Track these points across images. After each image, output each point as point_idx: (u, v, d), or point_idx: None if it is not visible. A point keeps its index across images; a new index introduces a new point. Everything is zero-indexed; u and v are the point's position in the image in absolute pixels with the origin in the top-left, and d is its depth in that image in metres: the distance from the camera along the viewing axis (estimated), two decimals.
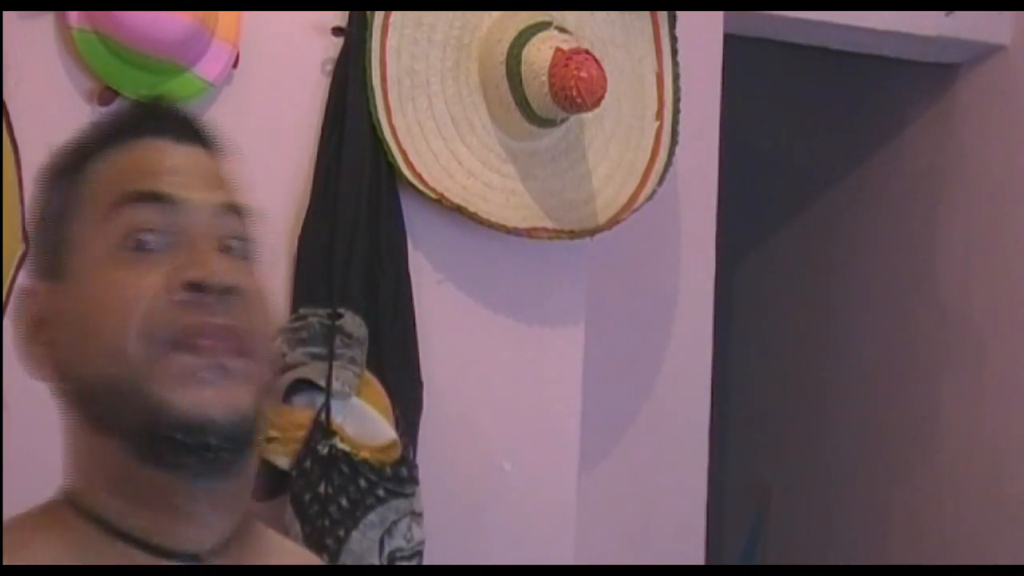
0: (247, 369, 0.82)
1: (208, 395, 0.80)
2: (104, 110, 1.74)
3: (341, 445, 1.68)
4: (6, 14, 1.71)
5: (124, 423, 0.82)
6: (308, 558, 0.99)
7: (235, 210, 0.88)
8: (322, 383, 1.70)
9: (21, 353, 0.88)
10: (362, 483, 1.68)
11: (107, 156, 0.88)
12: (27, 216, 0.92)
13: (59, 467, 1.80)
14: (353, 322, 1.76)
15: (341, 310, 1.76)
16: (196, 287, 0.81)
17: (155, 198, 0.84)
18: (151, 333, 0.80)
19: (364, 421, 1.71)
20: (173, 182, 0.85)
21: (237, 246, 0.86)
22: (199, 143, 0.90)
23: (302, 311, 1.77)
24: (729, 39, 2.23)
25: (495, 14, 1.90)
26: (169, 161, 0.87)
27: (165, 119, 0.90)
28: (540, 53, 1.80)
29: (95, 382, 0.82)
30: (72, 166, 0.90)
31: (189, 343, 0.81)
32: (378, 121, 1.82)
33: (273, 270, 1.82)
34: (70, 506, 0.88)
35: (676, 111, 2.01)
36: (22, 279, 1.71)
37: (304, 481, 1.68)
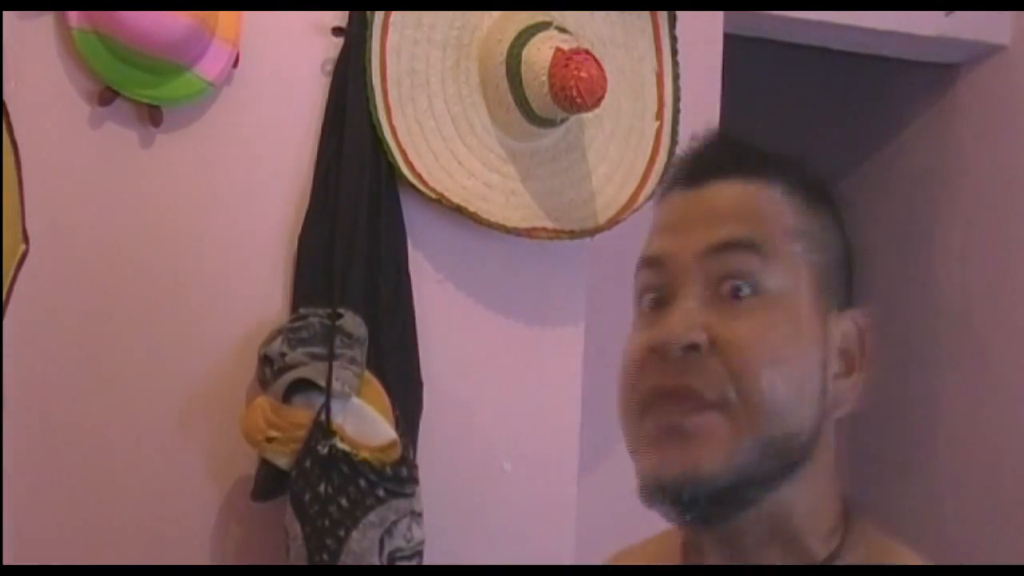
0: (711, 425, 0.79)
1: (662, 459, 0.80)
2: (104, 110, 1.75)
3: (341, 445, 1.68)
4: (6, 14, 1.71)
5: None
6: (909, 556, 0.88)
7: (733, 246, 0.82)
8: (322, 383, 1.70)
9: None
10: (362, 483, 1.68)
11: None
12: None
13: (59, 466, 1.81)
14: (353, 322, 1.76)
15: (341, 310, 1.76)
16: (653, 350, 0.81)
17: (647, 263, 0.86)
18: (626, 399, 0.83)
19: (364, 421, 1.71)
20: (664, 239, 0.85)
21: (734, 286, 0.81)
22: (719, 177, 0.86)
23: (302, 311, 1.77)
24: (729, 39, 2.23)
25: (495, 14, 1.90)
26: (669, 215, 0.87)
27: (691, 162, 0.89)
28: (540, 53, 1.80)
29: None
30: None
31: (648, 408, 0.81)
32: (378, 121, 1.82)
33: (273, 270, 1.82)
34: None
35: (676, 111, 2.01)
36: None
37: (304, 481, 1.68)
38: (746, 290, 0.81)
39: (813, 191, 0.86)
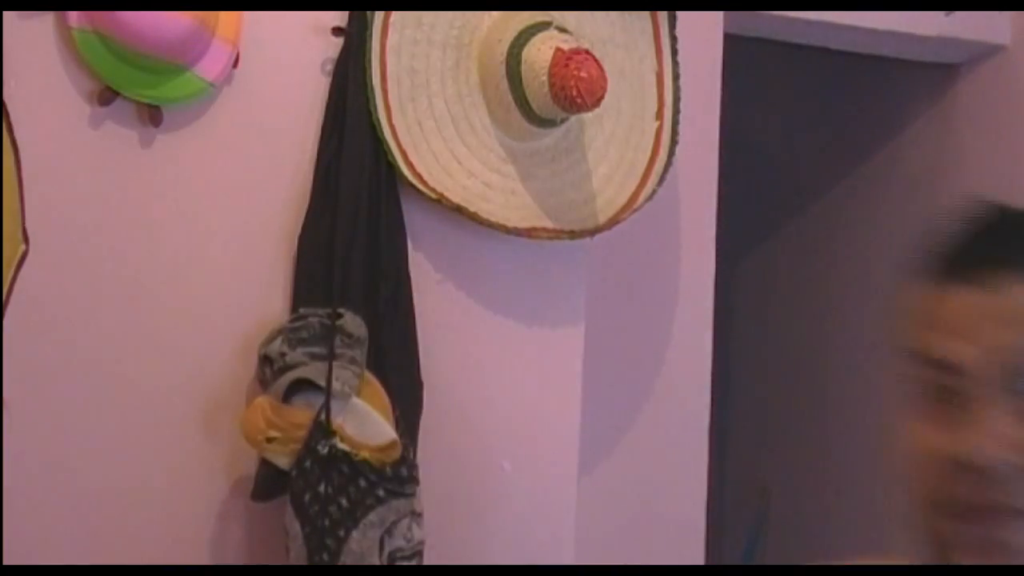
0: (1018, 542, 0.79)
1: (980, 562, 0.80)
2: (104, 110, 1.75)
3: (341, 445, 1.68)
4: (6, 14, 1.71)
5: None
6: None
7: None
8: (322, 383, 1.70)
9: None
10: (362, 483, 1.68)
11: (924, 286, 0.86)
12: None
13: (59, 466, 1.81)
14: (353, 322, 1.76)
15: (341, 310, 1.76)
16: (967, 467, 0.80)
17: (936, 364, 0.83)
18: (933, 498, 0.83)
19: (364, 421, 1.71)
20: (957, 342, 0.81)
21: None
22: (1015, 274, 0.81)
23: (302, 311, 1.77)
24: (729, 39, 2.23)
25: (495, 14, 1.90)
26: (959, 315, 0.82)
27: (977, 252, 0.84)
28: (540, 53, 1.80)
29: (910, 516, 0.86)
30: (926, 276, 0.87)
31: (964, 515, 0.81)
32: (378, 121, 1.82)
33: (273, 270, 1.82)
34: None
35: (676, 111, 2.01)
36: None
37: (304, 481, 1.68)
38: None
39: None
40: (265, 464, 1.72)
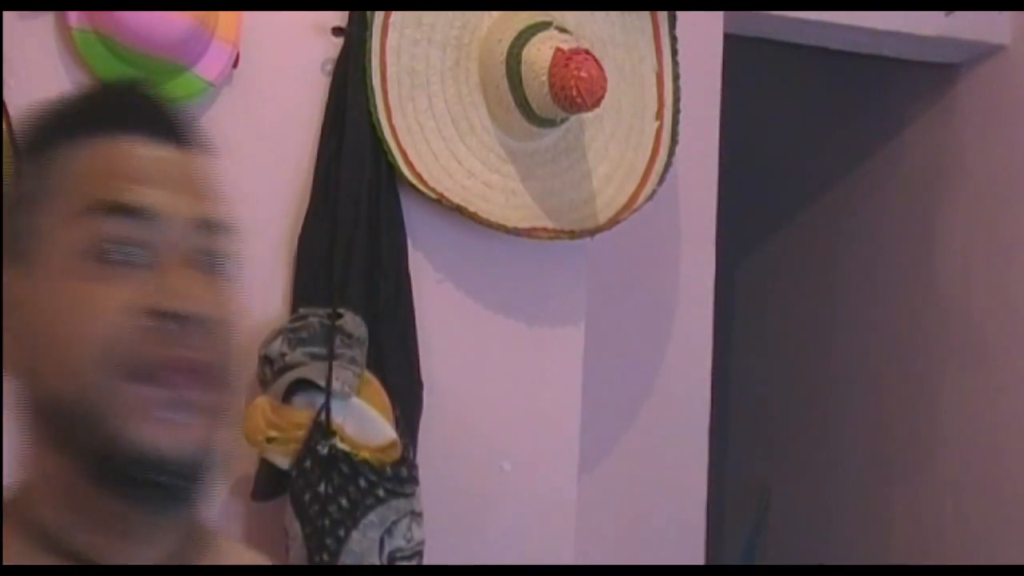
0: (208, 403, 0.77)
1: (166, 432, 0.74)
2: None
3: (341, 445, 1.68)
4: (6, 14, 1.71)
5: (77, 445, 0.76)
6: (259, 558, 0.91)
7: (209, 223, 0.81)
8: (322, 383, 1.70)
9: None
10: (362, 483, 1.68)
11: (77, 146, 0.80)
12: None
13: None
14: (353, 322, 1.76)
15: (341, 310, 1.76)
16: (162, 315, 0.75)
17: (126, 211, 0.77)
18: (111, 360, 0.74)
19: (364, 421, 1.71)
20: (147, 192, 0.78)
21: (206, 262, 0.80)
22: (178, 142, 0.82)
23: (302, 311, 1.77)
24: (729, 39, 2.23)
25: (495, 14, 1.90)
26: (146, 166, 0.80)
27: (143, 112, 0.82)
28: (540, 53, 1.80)
29: (49, 398, 0.76)
30: (40, 146, 0.82)
31: (151, 375, 0.75)
32: (378, 121, 1.82)
33: (273, 270, 1.82)
34: (11, 516, 0.79)
35: (676, 111, 2.01)
36: None
37: (304, 481, 1.68)
38: (208, 268, 0.80)
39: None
40: (265, 464, 1.72)
